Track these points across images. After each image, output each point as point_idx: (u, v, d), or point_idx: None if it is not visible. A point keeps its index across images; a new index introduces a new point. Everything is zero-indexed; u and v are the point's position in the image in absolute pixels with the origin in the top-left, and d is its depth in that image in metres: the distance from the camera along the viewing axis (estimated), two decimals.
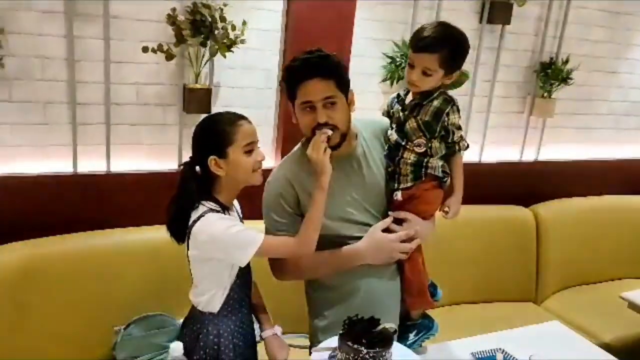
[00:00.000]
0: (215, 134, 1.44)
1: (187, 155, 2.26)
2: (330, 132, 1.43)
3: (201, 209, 1.41)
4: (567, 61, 2.92)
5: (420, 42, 1.46)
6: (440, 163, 1.56)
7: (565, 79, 2.90)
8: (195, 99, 2.19)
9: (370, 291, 1.56)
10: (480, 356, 1.64)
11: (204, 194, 1.45)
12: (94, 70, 2.07)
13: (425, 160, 1.54)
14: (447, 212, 1.62)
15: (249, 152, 1.43)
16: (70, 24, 1.98)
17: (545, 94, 2.95)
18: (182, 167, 1.50)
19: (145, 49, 2.02)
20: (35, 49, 1.96)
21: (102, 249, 2.07)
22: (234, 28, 2.13)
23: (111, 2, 2.02)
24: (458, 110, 1.54)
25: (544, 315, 2.64)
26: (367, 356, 1.23)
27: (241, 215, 1.62)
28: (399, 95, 1.61)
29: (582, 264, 2.98)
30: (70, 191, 2.12)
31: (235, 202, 1.62)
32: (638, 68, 3.31)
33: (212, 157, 1.42)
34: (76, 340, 1.99)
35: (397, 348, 1.42)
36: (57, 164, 2.11)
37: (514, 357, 1.61)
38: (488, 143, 3.00)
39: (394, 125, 1.59)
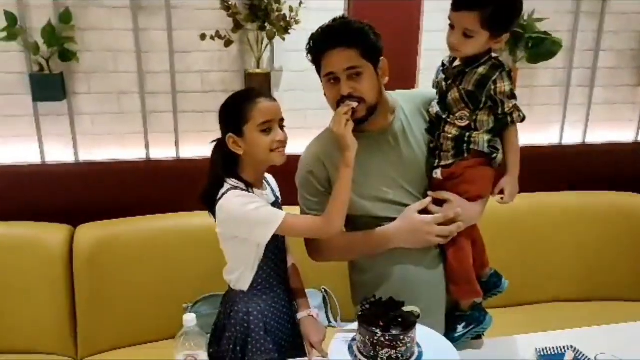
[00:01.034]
0: (232, 111, 1.40)
1: None
2: (354, 104, 1.32)
3: (225, 186, 1.39)
4: None
5: None
6: (487, 137, 1.37)
7: None
8: (256, 83, 2.19)
9: (405, 277, 1.43)
10: (545, 353, 1.41)
11: (229, 172, 1.42)
12: (160, 60, 2.17)
13: (468, 134, 1.36)
14: (500, 196, 1.42)
15: (265, 130, 1.37)
16: (136, 17, 2.09)
17: None
18: (213, 143, 1.49)
19: (203, 37, 2.08)
20: (106, 43, 2.11)
21: (172, 230, 2.17)
22: (291, 10, 2.11)
23: None
24: (509, 77, 1.33)
25: None
26: (382, 339, 1.11)
27: (278, 195, 1.57)
28: (443, 63, 1.44)
29: None
30: (143, 176, 2.25)
31: (272, 181, 1.58)
32: None
33: (229, 135, 1.39)
34: (147, 317, 2.12)
35: (437, 340, 1.28)
36: (131, 151, 2.25)
37: (586, 357, 1.35)
38: (595, 121, 2.63)
39: (437, 97, 1.43)
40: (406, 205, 1.42)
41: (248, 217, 1.34)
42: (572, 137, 2.62)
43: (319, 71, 1.40)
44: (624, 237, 2.47)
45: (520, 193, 2.40)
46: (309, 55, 1.40)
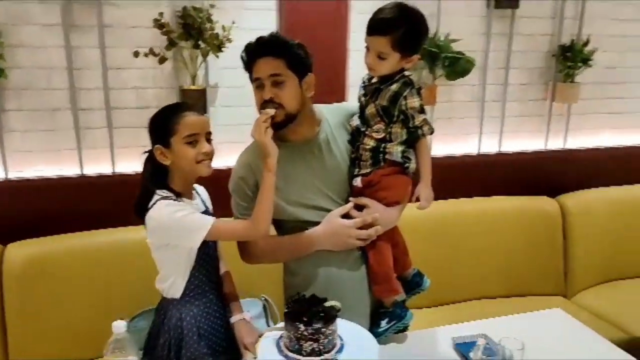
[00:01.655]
0: (160, 124, 1.47)
1: None
2: (272, 112, 1.42)
3: (155, 197, 1.45)
4: (587, 42, 2.74)
5: (372, 24, 1.42)
6: (401, 148, 1.50)
7: (585, 61, 2.72)
8: (191, 99, 2.25)
9: (330, 278, 1.53)
10: (461, 342, 1.55)
11: (159, 183, 1.48)
12: (94, 77, 2.19)
13: (384, 145, 1.49)
14: (419, 202, 1.54)
15: (191, 143, 1.44)
16: (68, 35, 2.12)
17: (568, 79, 2.78)
18: (145, 153, 1.54)
19: (136, 54, 2.13)
20: (37, 61, 2.11)
21: (108, 246, 2.17)
22: (224, 29, 2.20)
23: (104, 12, 2.14)
24: (419, 94, 1.47)
25: (573, 309, 2.45)
26: (305, 333, 1.20)
27: (208, 205, 1.64)
28: (363, 80, 1.57)
29: (618, 258, 2.75)
30: (77, 192, 2.24)
31: (203, 192, 1.65)
32: None
33: (157, 146, 1.46)
34: (83, 334, 2.08)
35: (358, 333, 1.38)
36: (65, 168, 2.24)
37: (497, 343, 1.50)
38: (510, 132, 2.87)
39: (358, 111, 1.56)
40: (329, 211, 1.53)
41: (177, 224, 1.40)
42: (489, 147, 2.84)
43: (250, 73, 1.50)
44: (537, 238, 2.69)
45: (445, 199, 2.62)
46: (243, 63, 1.50)
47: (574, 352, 1.56)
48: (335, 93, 2.44)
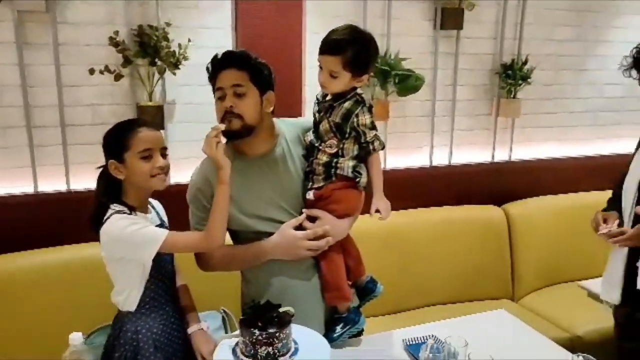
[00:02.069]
0: (114, 139, 1.51)
1: None
2: (222, 127, 1.47)
3: (109, 211, 1.47)
4: (526, 61, 2.94)
5: (324, 45, 1.49)
6: (352, 163, 1.56)
7: (525, 78, 2.90)
8: (148, 116, 2.28)
9: (284, 285, 1.59)
10: (411, 343, 1.63)
11: (113, 197, 1.51)
12: (48, 94, 2.19)
13: (336, 160, 1.56)
14: (378, 214, 1.61)
15: (146, 157, 1.48)
16: (21, 52, 2.12)
17: (510, 95, 2.96)
18: (99, 169, 1.57)
19: (92, 71, 2.14)
20: None
21: (64, 262, 2.16)
22: (180, 47, 2.25)
23: (59, 30, 2.15)
24: (370, 111, 1.54)
25: (520, 311, 2.60)
26: (260, 337, 1.25)
27: (164, 219, 1.67)
28: (317, 97, 1.63)
29: (560, 262, 2.92)
30: (31, 210, 2.22)
31: (158, 206, 1.69)
32: (608, 64, 3.28)
33: (111, 161, 1.49)
34: (39, 351, 2.04)
35: (312, 337, 1.45)
36: (18, 185, 2.22)
37: (443, 342, 1.58)
38: (460, 145, 3.02)
39: (313, 127, 1.62)
40: (283, 222, 1.58)
41: (131, 237, 1.42)
42: (440, 159, 2.98)
43: (213, 85, 1.55)
44: (485, 245, 2.84)
45: (399, 210, 2.72)
46: (208, 73, 1.55)
47: (516, 348, 1.66)
48: (292, 108, 2.52)
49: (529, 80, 2.93)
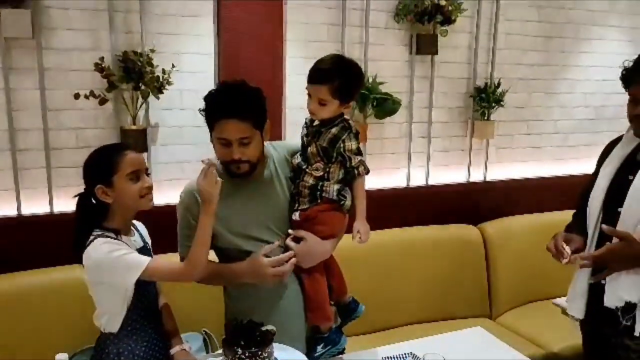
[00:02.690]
0: (101, 164, 1.55)
1: None
2: (217, 163, 1.53)
3: (93, 235, 1.51)
4: (498, 84, 3.06)
5: (313, 74, 1.57)
6: (337, 187, 1.63)
7: (498, 101, 3.02)
8: (132, 139, 2.32)
9: (267, 304, 1.64)
10: None
11: (97, 222, 1.54)
12: (32, 118, 2.23)
13: (321, 183, 1.62)
14: (359, 237, 1.66)
15: (134, 179, 1.53)
16: (7, 77, 2.15)
17: (484, 117, 3.08)
18: (77, 197, 1.60)
19: (77, 96, 2.18)
20: None
21: (48, 284, 2.17)
22: (164, 72, 2.31)
23: (44, 55, 2.20)
24: (356, 138, 1.62)
25: (497, 329, 2.66)
26: (243, 356, 1.29)
27: (147, 240, 1.71)
28: (306, 121, 1.70)
29: (535, 280, 3.00)
30: (15, 233, 2.23)
31: (142, 227, 1.73)
32: (577, 87, 3.43)
33: (99, 186, 1.52)
34: None
35: (294, 356, 1.50)
36: (2, 208, 2.24)
37: (419, 358, 1.64)
38: (436, 166, 3.11)
39: (300, 150, 1.68)
40: (269, 242, 1.64)
41: (113, 263, 1.45)
42: (417, 180, 3.06)
43: (209, 127, 1.58)
44: (463, 264, 2.91)
45: (379, 229, 2.79)
46: (204, 114, 1.58)
47: None
48: (273, 132, 2.57)
49: (501, 103, 3.04)
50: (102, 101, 2.25)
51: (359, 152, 1.63)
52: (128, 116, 2.35)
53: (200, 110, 1.60)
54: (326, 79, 1.54)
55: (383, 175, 2.94)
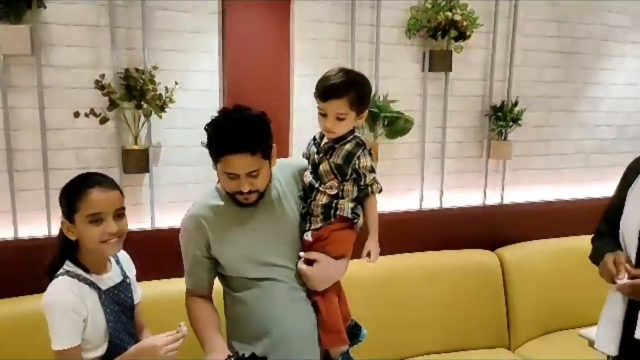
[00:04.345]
0: (64, 198, 1.44)
1: (128, 214, 2.34)
2: (185, 332, 1.46)
3: (61, 270, 1.42)
4: (516, 103, 2.94)
5: (328, 91, 1.51)
6: (351, 205, 1.59)
7: (515, 120, 2.89)
8: (133, 159, 2.25)
9: (278, 332, 1.54)
10: None
11: (68, 255, 1.45)
12: (31, 137, 2.16)
13: (336, 201, 1.57)
14: (369, 257, 1.63)
15: (95, 222, 1.39)
16: (5, 95, 2.09)
17: (500, 137, 2.95)
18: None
19: (77, 114, 2.12)
20: None
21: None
22: (167, 90, 2.23)
23: (44, 73, 2.14)
24: (370, 154, 1.58)
25: None
26: None
27: (128, 274, 1.60)
28: (314, 138, 1.66)
29: (557, 309, 2.84)
30: (11, 256, 2.15)
31: (123, 257, 1.62)
32: (598, 105, 3.29)
33: (63, 220, 1.43)
34: None
35: None
36: None
37: None
38: (450, 188, 2.97)
39: (310, 167, 1.63)
40: (280, 266, 1.57)
41: (51, 317, 1.37)
42: (430, 202, 2.93)
43: (214, 159, 1.51)
44: (479, 290, 2.75)
45: (389, 254, 2.66)
46: (208, 145, 1.50)
47: None
48: (279, 152, 2.48)
49: (519, 122, 2.92)
50: (103, 120, 2.17)
51: (372, 170, 1.58)
52: (130, 135, 2.27)
53: (202, 143, 1.53)
54: (343, 91, 1.50)
55: (394, 198, 2.82)
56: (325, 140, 1.59)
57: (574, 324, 2.84)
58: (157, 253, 2.22)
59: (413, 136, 2.81)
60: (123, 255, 1.62)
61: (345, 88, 1.49)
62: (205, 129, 1.51)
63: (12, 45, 2.01)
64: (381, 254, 2.64)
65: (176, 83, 2.25)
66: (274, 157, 1.57)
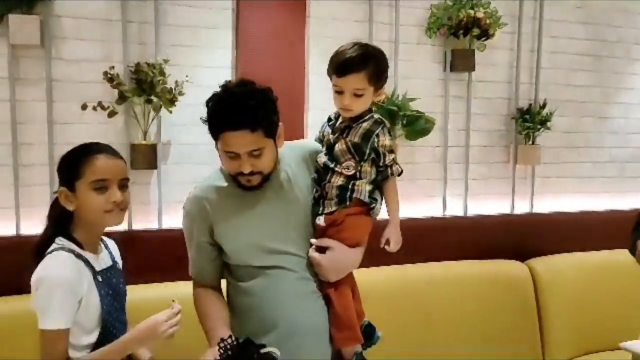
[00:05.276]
0: (66, 164, 1.35)
1: (135, 213, 2.25)
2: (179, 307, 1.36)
3: (54, 245, 1.31)
4: (544, 105, 2.79)
5: (344, 65, 1.42)
6: (369, 188, 1.48)
7: (544, 122, 2.74)
8: (141, 154, 2.18)
9: (286, 326, 1.41)
10: None
11: (61, 230, 1.35)
12: (38, 132, 2.11)
13: (353, 182, 1.46)
14: (388, 245, 1.51)
15: (100, 189, 1.31)
16: (13, 88, 2.05)
17: (528, 141, 2.79)
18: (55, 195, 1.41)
19: (84, 107, 2.06)
20: None
21: None
22: (177, 84, 2.17)
23: (53, 66, 2.10)
24: (390, 132, 1.48)
25: None
26: None
27: (117, 260, 1.50)
28: (329, 118, 1.56)
29: (597, 326, 2.61)
30: (12, 253, 2.06)
31: (112, 244, 1.52)
32: (631, 112, 3.11)
33: (62, 189, 1.33)
34: None
35: None
36: (0, 227, 2.09)
37: None
38: (475, 195, 2.81)
39: (324, 149, 1.52)
40: (288, 253, 1.44)
41: (49, 295, 1.26)
42: (454, 209, 2.77)
43: (214, 137, 1.41)
44: (510, 304, 2.56)
45: (411, 263, 2.50)
46: (207, 123, 1.41)
47: None
48: (295, 132, 2.38)
49: (548, 124, 2.76)
50: (111, 114, 2.11)
51: (392, 150, 1.47)
52: (139, 131, 2.21)
53: (202, 119, 1.43)
54: (360, 65, 1.40)
55: (415, 204, 2.67)
56: (340, 120, 1.50)
57: (615, 343, 2.61)
58: (164, 254, 2.12)
59: (434, 139, 2.68)
60: (111, 242, 1.52)
61: (363, 61, 1.40)
62: (205, 104, 1.42)
63: (21, 35, 1.97)
64: (400, 262, 2.52)
65: (187, 76, 2.19)
66: (281, 137, 1.46)
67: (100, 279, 1.36)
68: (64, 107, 2.13)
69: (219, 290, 1.55)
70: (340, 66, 1.42)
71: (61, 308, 1.26)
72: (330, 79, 1.47)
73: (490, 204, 2.84)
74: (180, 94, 2.15)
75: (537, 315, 2.59)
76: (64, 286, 1.26)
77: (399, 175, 1.52)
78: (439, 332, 2.43)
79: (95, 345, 1.33)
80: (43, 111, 2.10)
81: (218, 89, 1.43)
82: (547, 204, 2.94)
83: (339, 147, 1.46)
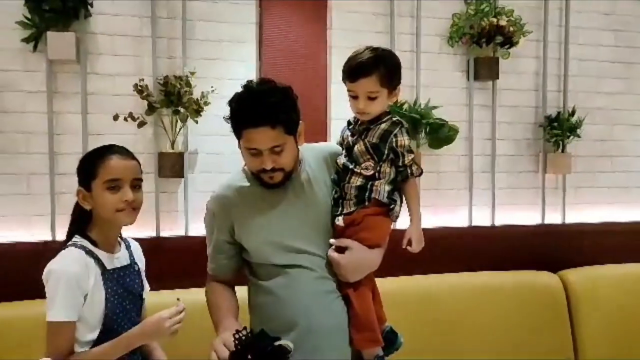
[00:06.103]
0: (83, 165, 1.44)
1: (162, 220, 2.32)
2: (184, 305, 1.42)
3: (70, 242, 1.39)
4: (573, 112, 2.74)
5: (355, 70, 1.45)
6: (388, 188, 1.49)
7: (573, 129, 2.69)
8: (168, 163, 2.26)
9: (306, 325, 1.42)
10: None
11: (78, 228, 1.43)
12: (73, 142, 2.22)
13: (371, 182, 1.48)
14: (410, 245, 1.51)
15: (113, 188, 1.38)
16: (51, 101, 2.18)
17: (558, 149, 2.74)
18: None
19: (116, 117, 2.16)
20: (19, 125, 2.16)
21: None
22: (202, 96, 2.25)
23: (88, 80, 2.22)
24: (408, 133, 1.50)
25: None
26: None
27: (137, 261, 1.55)
28: (349, 122, 1.60)
29: (631, 339, 2.50)
30: (49, 258, 2.15)
31: (134, 245, 1.58)
32: None
33: (79, 188, 1.42)
34: None
35: None
36: (37, 233, 2.19)
37: None
38: (503, 205, 2.76)
39: (344, 151, 1.55)
40: (307, 252, 1.46)
41: (56, 286, 1.33)
42: (481, 219, 2.72)
43: (236, 135, 1.46)
44: (542, 316, 2.48)
45: (436, 273, 2.46)
46: (230, 120, 1.46)
47: None
48: (319, 131, 2.45)
49: (578, 132, 2.71)
50: (141, 124, 2.21)
51: (411, 150, 1.49)
52: (167, 141, 2.29)
53: (225, 118, 1.48)
54: (371, 69, 1.43)
55: (440, 214, 2.65)
56: (359, 123, 1.53)
57: None
58: (190, 261, 2.16)
59: (459, 148, 2.67)
60: (135, 244, 1.59)
61: (374, 65, 1.43)
62: (228, 104, 1.47)
63: (58, 51, 2.10)
64: (425, 272, 2.48)
65: (212, 87, 2.26)
66: (301, 135, 1.50)
67: (108, 277, 1.41)
68: (98, 118, 2.24)
69: (232, 285, 1.59)
70: (351, 71, 1.46)
71: (65, 301, 1.32)
72: (345, 85, 1.51)
73: (518, 214, 2.78)
74: (206, 104, 2.22)
75: (570, 327, 2.50)
76: (69, 280, 1.32)
77: (419, 175, 1.53)
78: (467, 344, 2.37)
79: (95, 343, 1.38)
80: (78, 123, 2.22)
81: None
82: (579, 215, 2.86)
83: (357, 148, 1.49)
